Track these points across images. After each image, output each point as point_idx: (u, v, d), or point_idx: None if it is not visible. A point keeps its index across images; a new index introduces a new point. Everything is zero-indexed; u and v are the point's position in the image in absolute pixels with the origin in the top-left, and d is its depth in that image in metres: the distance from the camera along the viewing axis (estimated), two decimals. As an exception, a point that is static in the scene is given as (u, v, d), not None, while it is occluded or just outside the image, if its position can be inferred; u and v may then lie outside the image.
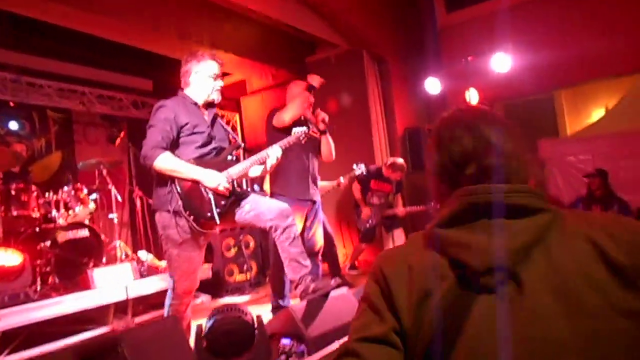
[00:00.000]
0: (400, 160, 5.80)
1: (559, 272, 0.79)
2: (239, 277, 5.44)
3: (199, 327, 2.25)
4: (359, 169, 4.96)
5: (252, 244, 5.65)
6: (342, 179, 4.89)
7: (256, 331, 2.25)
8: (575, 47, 6.24)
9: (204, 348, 2.16)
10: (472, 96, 6.33)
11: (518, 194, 0.85)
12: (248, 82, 8.52)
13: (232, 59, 6.71)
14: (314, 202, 3.71)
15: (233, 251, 5.46)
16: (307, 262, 2.71)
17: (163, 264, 4.96)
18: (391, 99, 6.92)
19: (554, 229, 0.82)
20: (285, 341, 2.45)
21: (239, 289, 5.35)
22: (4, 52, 5.37)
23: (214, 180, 2.51)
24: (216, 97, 2.76)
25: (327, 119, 3.69)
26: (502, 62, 5.88)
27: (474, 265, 0.81)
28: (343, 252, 7.09)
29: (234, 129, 8.06)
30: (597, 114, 8.41)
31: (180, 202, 2.48)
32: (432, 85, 6.48)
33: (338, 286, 2.70)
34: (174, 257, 2.58)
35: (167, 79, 7.09)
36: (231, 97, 8.54)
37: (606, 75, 7.11)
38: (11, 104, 5.28)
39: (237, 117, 8.20)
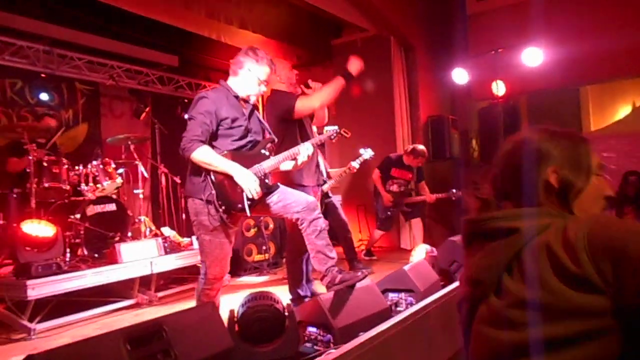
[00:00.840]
0: (421, 147, 5.79)
1: (527, 284, 0.89)
2: (257, 257, 5.54)
3: (232, 312, 2.33)
4: (367, 153, 4.95)
5: (271, 225, 5.73)
6: (353, 164, 4.90)
7: (287, 320, 2.33)
8: (607, 43, 6.12)
9: (236, 333, 2.25)
10: (499, 88, 6.26)
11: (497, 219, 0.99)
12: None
13: (259, 39, 6.70)
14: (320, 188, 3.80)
15: (253, 231, 5.55)
16: (333, 254, 2.77)
17: (185, 240, 5.07)
18: (416, 86, 6.88)
19: (528, 244, 0.92)
20: (312, 329, 2.53)
21: (257, 269, 5.47)
22: (38, 24, 5.42)
23: (248, 181, 2.54)
24: (254, 99, 2.82)
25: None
26: (534, 56, 5.80)
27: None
28: (358, 238, 7.17)
29: (258, 110, 8.08)
30: (623, 111, 8.29)
31: (213, 192, 2.54)
32: (460, 76, 6.42)
33: (364, 278, 2.77)
34: (205, 243, 2.65)
35: (192, 56, 7.14)
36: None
37: (636, 74, 6.98)
38: (42, 75, 5.34)
39: (260, 98, 8.19)
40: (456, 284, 3.49)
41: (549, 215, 0.97)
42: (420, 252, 3.99)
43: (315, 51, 7.62)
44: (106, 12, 5.66)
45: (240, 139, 2.66)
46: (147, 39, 6.52)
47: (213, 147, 2.57)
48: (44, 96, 5.54)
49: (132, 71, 6.28)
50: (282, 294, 4.06)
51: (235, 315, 2.30)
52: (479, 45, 6.84)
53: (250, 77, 2.72)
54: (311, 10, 6.69)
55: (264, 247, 5.57)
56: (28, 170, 4.11)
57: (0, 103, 5.43)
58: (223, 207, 2.52)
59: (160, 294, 4.42)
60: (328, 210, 4.78)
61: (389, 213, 5.83)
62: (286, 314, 2.34)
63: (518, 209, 1.02)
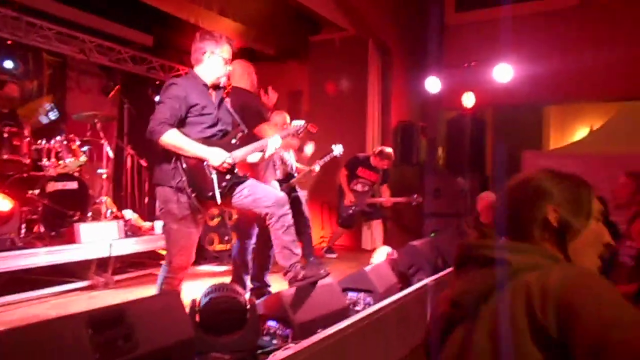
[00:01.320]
0: (389, 149, 5.90)
1: (499, 316, 0.93)
2: (218, 246, 5.52)
3: (194, 301, 2.34)
4: (337, 149, 5.03)
5: (234, 216, 5.70)
6: (315, 167, 4.97)
7: (248, 312, 2.35)
8: (571, 64, 6.38)
9: (197, 322, 2.26)
10: (469, 100, 6.45)
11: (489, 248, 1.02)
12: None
13: (237, 27, 6.63)
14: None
15: (216, 221, 5.52)
16: (299, 250, 2.81)
17: (147, 225, 5.00)
18: (390, 91, 6.99)
19: (512, 278, 0.94)
20: (272, 323, 2.57)
21: (217, 258, 5.44)
22: (7, -12, 5.19)
23: (219, 157, 2.56)
24: (224, 80, 2.81)
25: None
26: (504, 72, 6.00)
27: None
28: (320, 235, 7.24)
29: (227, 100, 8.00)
30: (580, 132, 8.70)
31: (184, 179, 2.53)
32: (432, 85, 6.57)
33: (326, 275, 2.82)
34: (172, 232, 2.63)
35: (168, 37, 6.98)
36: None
37: (597, 98, 7.33)
38: (9, 42, 5.13)
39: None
40: (413, 287, 3.61)
41: (540, 254, 0.99)
42: (381, 254, 4.09)
43: (293, 45, 7.62)
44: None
45: (210, 127, 2.66)
46: (123, 16, 6.35)
47: (182, 134, 2.56)
48: (8, 64, 5.31)
49: (103, 47, 6.10)
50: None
51: (197, 304, 2.31)
52: (453, 57, 7.01)
53: (214, 59, 2.71)
54: (292, 3, 6.68)
55: (226, 237, 5.55)
56: (-14, 140, 3.96)
57: (-40, 67, 5.18)
58: (194, 194, 2.51)
59: (117, 278, 4.34)
60: (292, 204, 4.82)
61: (350, 212, 5.92)
62: (248, 307, 2.37)
63: (512, 242, 1.05)
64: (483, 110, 7.34)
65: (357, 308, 3.22)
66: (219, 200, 2.57)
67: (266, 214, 2.68)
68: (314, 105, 7.48)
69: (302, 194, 4.95)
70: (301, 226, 4.86)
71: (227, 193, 2.63)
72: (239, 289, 2.43)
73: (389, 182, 6.05)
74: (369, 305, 3.18)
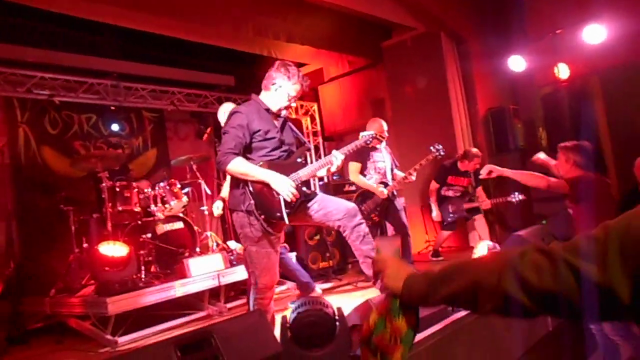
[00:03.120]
0: (474, 149, 5.63)
1: None
2: (322, 264, 5.61)
3: (284, 318, 2.39)
4: (437, 150, 4.81)
5: (333, 232, 5.78)
6: (413, 176, 4.75)
7: (337, 323, 2.34)
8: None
9: (289, 339, 2.30)
10: (562, 71, 5.91)
11: None
12: (325, 70, 8.61)
13: (309, 49, 6.83)
14: None
15: (315, 239, 5.62)
16: None
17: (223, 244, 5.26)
18: (472, 79, 6.67)
19: None
20: (366, 333, 2.53)
21: (322, 276, 5.52)
22: (105, 61, 5.90)
23: (284, 185, 2.61)
24: (285, 113, 2.89)
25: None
26: (596, 33, 5.42)
27: None
28: (425, 239, 7.03)
29: (312, 118, 8.22)
30: None
31: (252, 202, 2.63)
32: (516, 63, 6.14)
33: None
34: (253, 254, 2.74)
35: (247, 74, 7.40)
36: (309, 87, 8.70)
37: None
38: (112, 107, 5.80)
39: (315, 106, 8.34)
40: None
41: None
42: (482, 249, 3.86)
43: (366, 55, 7.63)
44: (163, 43, 6.07)
45: (274, 150, 2.73)
46: (204, 63, 6.89)
47: (248, 159, 2.67)
48: (115, 127, 6.00)
49: (192, 95, 6.63)
50: (347, 300, 4.10)
51: (288, 321, 2.35)
52: (536, 30, 6.50)
53: (281, 92, 2.79)
54: (357, 15, 6.71)
55: (327, 254, 5.63)
56: (103, 196, 4.47)
57: (79, 137, 5.95)
58: (262, 217, 2.60)
59: (230, 305, 4.59)
60: (389, 212, 4.76)
61: (449, 219, 5.71)
62: (336, 318, 2.36)
63: None
64: (584, 79, 6.66)
65: (459, 308, 3.05)
66: (286, 221, 2.63)
67: (339, 226, 2.67)
68: (396, 109, 7.37)
69: (398, 202, 4.86)
70: (400, 234, 4.78)
71: (297, 211, 2.68)
72: (325, 301, 2.44)
73: (484, 183, 5.72)
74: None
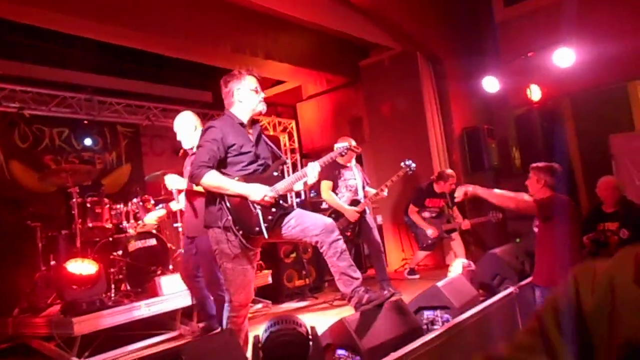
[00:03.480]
0: (448, 170, 5.69)
1: None
2: (298, 282, 5.54)
3: (256, 337, 2.33)
4: (407, 166, 4.79)
5: (310, 249, 5.73)
6: (384, 192, 4.76)
7: (311, 342, 2.30)
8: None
9: (261, 359, 2.24)
10: (534, 93, 6.06)
11: None
12: (303, 88, 8.67)
13: (287, 67, 6.85)
14: None
15: (292, 257, 5.56)
16: (358, 274, 2.73)
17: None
18: (447, 98, 6.78)
19: None
20: (341, 352, 2.48)
21: (298, 294, 5.45)
22: (78, 74, 5.80)
23: (259, 192, 2.58)
24: (262, 108, 2.83)
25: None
26: (565, 57, 5.59)
27: None
28: (402, 257, 7.03)
29: (290, 135, 8.22)
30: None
31: (229, 218, 2.57)
32: (490, 84, 6.28)
33: (391, 297, 2.70)
34: (228, 271, 2.67)
35: (225, 90, 7.39)
36: (287, 104, 8.72)
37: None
38: (85, 121, 5.68)
39: (293, 123, 8.34)
40: (494, 298, 3.34)
41: None
42: (457, 267, 3.87)
43: (344, 74, 7.70)
44: (140, 57, 6.01)
45: (250, 164, 2.70)
46: (180, 79, 6.84)
47: (223, 174, 2.62)
48: (88, 141, 5.87)
49: (168, 110, 6.55)
50: (323, 318, 4.04)
51: (260, 340, 2.30)
52: (510, 51, 6.67)
53: (244, 93, 2.74)
54: (336, 34, 6.79)
55: (303, 272, 5.57)
56: (73, 212, 4.34)
57: (50, 151, 5.80)
58: (241, 232, 2.54)
59: (202, 324, 4.47)
60: (362, 230, 4.75)
61: (429, 242, 5.72)
62: (310, 337, 2.31)
63: None
64: (555, 101, 6.85)
65: (435, 327, 3.03)
66: (266, 235, 2.58)
67: (316, 242, 2.64)
68: (374, 127, 7.43)
69: (371, 219, 4.85)
70: (373, 251, 4.79)
71: (275, 225, 2.64)
72: (298, 320, 2.39)
73: (459, 202, 5.78)
74: (448, 322, 2.98)
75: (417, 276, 5.97)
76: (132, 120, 6.31)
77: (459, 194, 3.47)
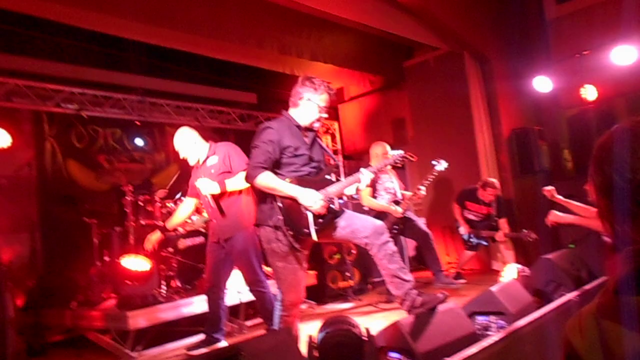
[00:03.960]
0: (491, 179, 5.59)
1: None
2: (341, 283, 5.52)
3: (310, 337, 2.33)
4: (440, 165, 4.71)
5: (354, 251, 5.70)
6: (422, 191, 4.71)
7: (366, 344, 2.28)
8: None
9: (315, 359, 2.24)
10: (589, 93, 5.82)
11: None
12: (346, 89, 8.65)
13: (331, 68, 6.86)
14: None
15: (336, 258, 5.55)
16: (409, 277, 2.69)
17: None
18: (495, 99, 6.60)
19: None
20: (394, 355, 2.45)
21: (342, 296, 5.43)
22: (131, 77, 6.00)
23: (311, 199, 2.59)
24: (317, 126, 2.87)
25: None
26: (625, 55, 5.34)
27: None
28: (447, 260, 6.89)
29: (332, 137, 8.22)
30: None
31: (280, 217, 2.59)
32: (542, 84, 6.07)
33: (445, 300, 2.65)
34: (279, 270, 2.69)
35: (269, 92, 7.47)
36: (329, 106, 8.73)
37: None
38: (137, 122, 5.87)
39: (335, 125, 8.34)
40: (552, 305, 3.22)
41: None
42: (511, 272, 3.75)
43: (388, 75, 7.64)
44: (188, 60, 6.16)
45: (303, 166, 2.71)
46: (227, 81, 6.97)
47: (277, 174, 2.64)
48: (139, 141, 6.05)
49: (215, 112, 6.69)
50: (368, 320, 4.01)
51: (314, 340, 2.30)
52: (562, 50, 6.43)
53: (310, 106, 2.77)
54: (381, 35, 6.74)
55: (347, 274, 5.55)
56: (126, 209, 4.49)
57: (104, 151, 6.02)
58: (290, 232, 2.56)
59: (250, 323, 4.53)
60: (407, 225, 4.74)
61: (471, 240, 5.62)
62: (365, 338, 2.29)
63: None
64: (610, 102, 6.56)
65: (489, 333, 2.95)
66: (314, 237, 2.58)
67: (366, 244, 2.62)
68: (418, 129, 7.34)
69: (413, 214, 4.86)
70: (422, 243, 4.82)
71: (324, 228, 2.63)
72: (354, 321, 2.37)
73: (507, 215, 5.64)
74: (503, 328, 2.90)
75: (463, 281, 5.83)
76: (180, 122, 6.45)
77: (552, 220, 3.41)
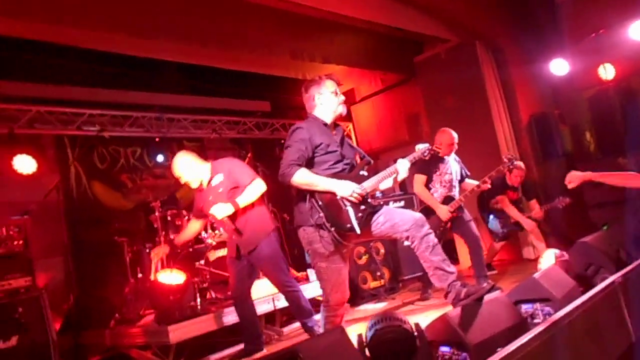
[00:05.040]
0: (516, 162, 5.37)
1: None
2: (373, 284, 5.49)
3: (360, 336, 2.31)
4: (509, 160, 4.44)
5: (382, 251, 5.68)
6: (487, 184, 4.50)
7: (417, 339, 2.25)
8: None
9: (368, 358, 2.21)
10: (608, 72, 5.73)
11: None
12: (357, 90, 8.63)
13: (342, 69, 6.86)
14: None
15: (364, 259, 5.53)
16: (452, 268, 2.66)
17: (301, 274, 5.19)
18: (512, 86, 6.54)
19: None
20: (445, 349, 2.42)
21: (374, 296, 5.40)
22: (148, 95, 6.07)
23: (348, 188, 2.59)
24: (342, 109, 2.87)
25: None
26: (643, 30, 5.26)
27: None
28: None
29: (349, 137, 8.21)
30: None
31: (322, 215, 2.58)
32: (559, 67, 6.00)
33: (491, 289, 2.61)
34: (323, 270, 2.68)
35: (282, 99, 7.49)
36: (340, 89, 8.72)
37: None
38: (157, 139, 5.92)
39: (350, 126, 8.34)
40: (598, 287, 3.16)
41: None
42: (549, 258, 3.68)
43: (399, 71, 7.61)
44: (202, 73, 6.20)
45: (336, 163, 2.71)
46: (240, 91, 7.01)
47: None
48: (159, 158, 6.11)
49: (231, 122, 6.73)
50: (411, 318, 3.96)
51: (364, 339, 2.27)
52: (576, 31, 6.35)
53: (325, 97, 2.80)
54: (390, 32, 6.72)
55: (378, 273, 5.51)
56: (155, 225, 4.51)
57: (126, 170, 6.09)
58: (334, 228, 2.54)
59: (286, 329, 4.52)
60: (457, 225, 4.63)
61: (503, 230, 5.52)
62: (416, 333, 2.26)
63: None
64: (629, 79, 6.45)
65: (535, 321, 2.89)
66: (358, 231, 2.57)
67: (407, 237, 2.60)
68: (433, 123, 7.27)
69: (467, 213, 4.69)
70: (471, 246, 4.63)
71: (365, 223, 2.62)
72: (402, 316, 2.34)
73: (536, 195, 5.52)
74: (549, 315, 2.84)
75: (494, 272, 5.77)
76: (198, 135, 6.52)
77: (572, 180, 3.29)
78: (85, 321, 4.51)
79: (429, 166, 4.52)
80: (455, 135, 4.63)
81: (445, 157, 4.63)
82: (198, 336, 3.89)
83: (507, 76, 6.50)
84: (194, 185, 3.77)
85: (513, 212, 5.38)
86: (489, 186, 4.56)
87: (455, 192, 4.66)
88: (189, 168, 3.71)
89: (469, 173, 4.88)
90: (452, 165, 4.72)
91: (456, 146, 4.59)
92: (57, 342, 3.61)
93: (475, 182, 4.63)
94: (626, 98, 6.01)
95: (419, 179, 4.58)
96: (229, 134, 6.75)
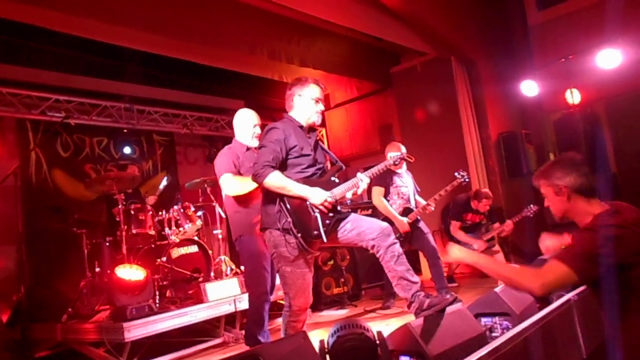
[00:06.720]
0: (484, 190, 5.51)
1: None
2: (336, 290, 5.48)
3: (322, 342, 2.29)
4: (461, 176, 4.62)
5: (347, 257, 5.68)
6: (431, 207, 4.65)
7: (379, 348, 2.24)
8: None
9: (329, 364, 2.19)
10: (575, 97, 5.94)
11: None
12: (332, 96, 8.66)
13: (319, 74, 6.86)
14: None
15: (329, 264, 5.52)
16: (416, 279, 2.68)
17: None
18: (483, 103, 6.68)
19: None
20: (405, 358, 2.42)
21: (337, 302, 5.40)
22: (118, 84, 5.90)
23: (320, 196, 2.58)
24: (316, 119, 2.83)
25: None
26: (610, 58, 5.47)
27: None
28: (437, 264, 6.92)
29: (321, 141, 8.20)
30: None
31: (289, 219, 2.56)
32: (529, 88, 6.18)
33: (454, 301, 2.64)
34: (287, 274, 2.65)
35: (257, 99, 7.42)
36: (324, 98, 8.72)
37: None
38: (125, 130, 5.76)
39: (323, 131, 8.34)
40: (553, 305, 3.24)
41: None
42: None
43: (375, 80, 7.68)
44: (177, 67, 6.08)
45: (308, 167, 2.69)
46: (215, 88, 6.91)
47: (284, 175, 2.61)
48: (126, 150, 5.96)
49: (203, 119, 6.63)
50: (372, 326, 3.96)
51: (326, 345, 2.25)
52: (546, 54, 6.57)
53: (304, 100, 2.76)
54: (369, 41, 6.78)
55: (341, 280, 5.51)
56: (117, 219, 4.38)
57: (90, 160, 5.89)
58: (300, 234, 2.52)
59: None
60: (415, 236, 4.66)
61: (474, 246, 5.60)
62: (377, 342, 2.26)
63: None
64: (593, 105, 6.69)
65: (494, 334, 2.95)
66: (324, 239, 2.55)
67: (372, 246, 2.60)
68: (405, 134, 7.37)
69: (424, 225, 4.74)
70: (429, 258, 4.65)
71: (332, 230, 2.61)
72: (365, 324, 2.34)
73: (500, 220, 5.57)
74: (508, 329, 2.90)
75: (455, 284, 5.86)
76: (169, 129, 6.38)
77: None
78: (35, 314, 4.32)
79: (385, 179, 4.58)
80: (403, 148, 4.69)
81: (399, 170, 4.73)
82: (154, 335, 3.78)
83: (479, 93, 6.65)
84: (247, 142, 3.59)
85: (461, 236, 5.42)
86: (432, 209, 4.64)
87: (413, 204, 4.72)
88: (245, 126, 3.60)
89: (419, 190, 4.96)
90: (407, 178, 4.82)
91: (410, 160, 4.61)
92: (3, 334, 3.43)
93: (424, 202, 4.73)
94: (590, 123, 6.24)
95: (377, 191, 4.62)
96: (200, 131, 6.64)
